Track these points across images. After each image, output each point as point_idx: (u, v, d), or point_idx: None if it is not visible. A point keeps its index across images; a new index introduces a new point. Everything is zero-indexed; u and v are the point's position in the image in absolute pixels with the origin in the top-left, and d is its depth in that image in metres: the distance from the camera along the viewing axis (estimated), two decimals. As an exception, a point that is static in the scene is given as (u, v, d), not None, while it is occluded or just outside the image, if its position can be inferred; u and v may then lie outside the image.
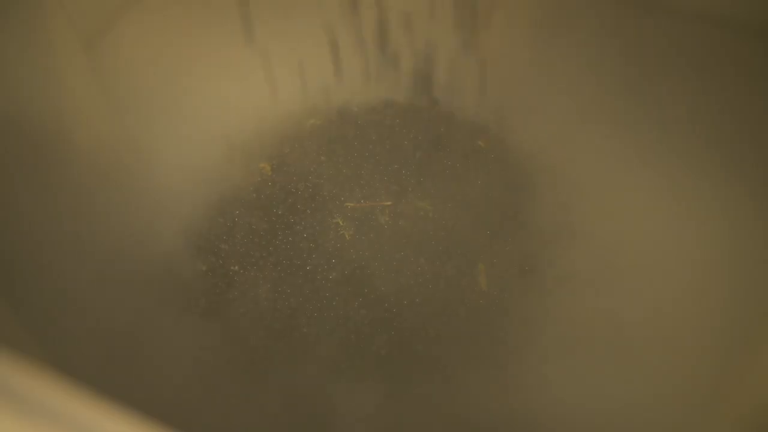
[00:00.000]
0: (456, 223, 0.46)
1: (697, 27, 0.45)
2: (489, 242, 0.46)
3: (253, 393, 0.40)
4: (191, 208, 0.47)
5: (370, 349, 0.42)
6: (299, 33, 0.49)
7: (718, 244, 0.43)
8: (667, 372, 0.40)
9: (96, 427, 0.20)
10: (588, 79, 0.48)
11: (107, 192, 0.44)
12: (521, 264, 0.46)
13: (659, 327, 0.41)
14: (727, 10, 0.43)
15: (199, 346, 0.42)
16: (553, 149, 0.49)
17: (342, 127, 0.51)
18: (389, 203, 0.47)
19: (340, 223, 0.46)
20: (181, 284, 0.44)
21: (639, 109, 0.47)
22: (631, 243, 0.44)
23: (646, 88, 0.46)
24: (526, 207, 0.48)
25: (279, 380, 0.41)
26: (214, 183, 0.48)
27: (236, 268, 0.45)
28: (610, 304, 0.42)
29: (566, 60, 0.48)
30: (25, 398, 0.21)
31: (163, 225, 0.45)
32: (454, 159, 0.49)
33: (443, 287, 0.44)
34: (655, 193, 0.46)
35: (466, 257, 0.46)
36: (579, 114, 0.48)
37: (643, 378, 0.40)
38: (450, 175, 0.49)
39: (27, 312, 0.35)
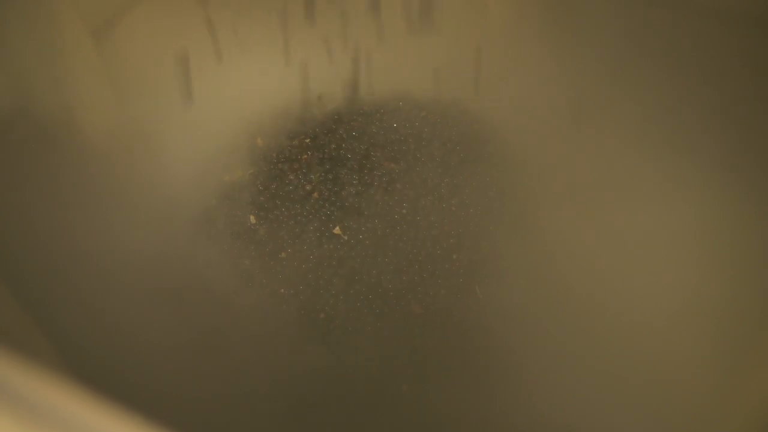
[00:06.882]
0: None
1: (696, 17, 0.44)
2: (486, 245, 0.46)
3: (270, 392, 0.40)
4: (201, 196, 0.47)
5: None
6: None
7: (718, 242, 0.43)
8: (668, 371, 0.40)
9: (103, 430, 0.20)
10: (583, 72, 0.47)
11: (116, 181, 0.44)
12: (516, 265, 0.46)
13: (658, 327, 0.41)
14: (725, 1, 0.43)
15: (207, 339, 0.42)
16: (549, 144, 0.49)
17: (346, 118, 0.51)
18: None
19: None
20: (190, 274, 0.44)
21: (633, 100, 0.46)
22: (627, 243, 0.44)
23: (643, 80, 0.46)
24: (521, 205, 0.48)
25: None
26: (224, 171, 0.48)
27: (247, 259, 0.45)
28: (608, 305, 0.42)
29: (562, 52, 0.48)
30: (27, 399, 0.21)
31: (171, 213, 0.46)
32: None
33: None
34: (652, 192, 0.45)
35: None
36: (574, 107, 0.47)
37: (643, 378, 0.40)
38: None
39: (31, 305, 0.35)
